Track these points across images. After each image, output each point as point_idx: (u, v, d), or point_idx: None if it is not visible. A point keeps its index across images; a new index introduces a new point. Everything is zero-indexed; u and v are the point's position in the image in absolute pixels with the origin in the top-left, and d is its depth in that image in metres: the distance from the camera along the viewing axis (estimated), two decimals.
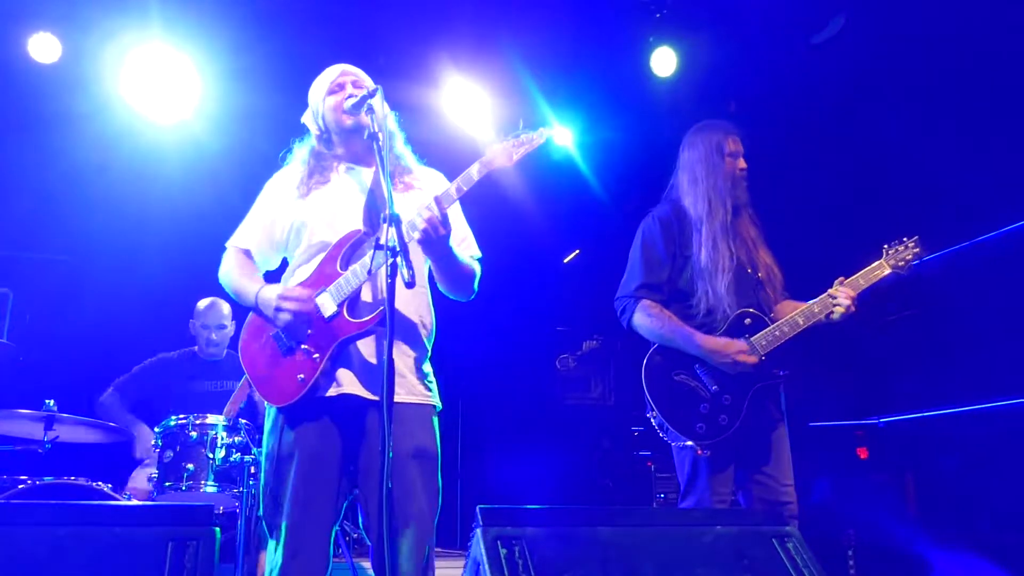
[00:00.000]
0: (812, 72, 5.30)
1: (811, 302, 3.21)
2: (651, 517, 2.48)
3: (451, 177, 2.64)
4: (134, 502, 3.98)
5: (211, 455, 3.79)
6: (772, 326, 3.19)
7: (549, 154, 6.31)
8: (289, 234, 2.74)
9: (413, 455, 2.53)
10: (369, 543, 2.58)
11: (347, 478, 2.56)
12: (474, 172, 2.54)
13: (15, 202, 5.49)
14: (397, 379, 2.59)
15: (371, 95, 2.58)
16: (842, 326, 3.25)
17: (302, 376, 2.55)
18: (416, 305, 2.71)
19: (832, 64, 5.23)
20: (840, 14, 5.06)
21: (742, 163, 3.36)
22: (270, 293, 2.62)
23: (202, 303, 4.83)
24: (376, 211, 2.69)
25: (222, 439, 3.82)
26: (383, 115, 2.57)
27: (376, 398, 2.53)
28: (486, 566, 2.13)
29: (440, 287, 2.78)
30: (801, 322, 3.17)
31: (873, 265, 3.23)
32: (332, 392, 2.55)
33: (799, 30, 5.23)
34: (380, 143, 2.49)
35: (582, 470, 7.30)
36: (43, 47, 4.95)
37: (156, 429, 3.96)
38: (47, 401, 4.04)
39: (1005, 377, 4.63)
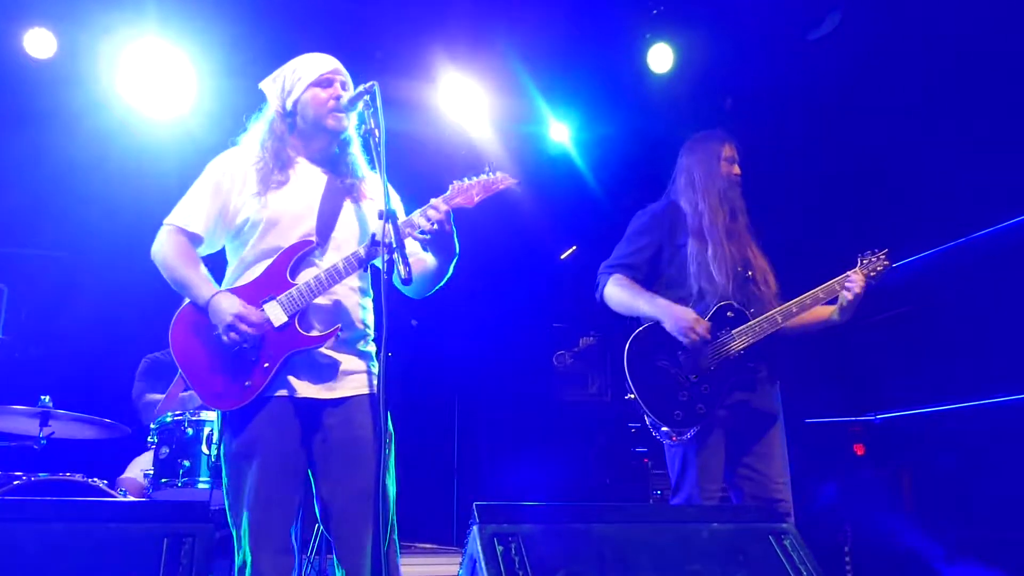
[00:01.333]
0: (809, 68, 5.30)
1: (811, 291, 3.26)
2: (647, 514, 2.49)
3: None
4: (130, 498, 3.97)
5: (207, 451, 3.79)
6: (753, 321, 3.24)
7: (546, 150, 6.32)
8: (241, 229, 2.67)
9: (374, 439, 2.51)
10: (330, 537, 2.57)
11: (304, 475, 2.57)
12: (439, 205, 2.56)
13: (10, 198, 5.47)
14: (347, 376, 2.61)
15: (368, 91, 2.56)
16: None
17: (249, 383, 2.51)
18: (356, 302, 2.71)
19: (829, 60, 5.23)
20: (836, 10, 5.06)
21: (736, 169, 3.47)
22: (229, 306, 2.51)
23: None
24: (330, 214, 2.67)
25: (218, 435, 3.82)
26: (376, 113, 2.56)
27: (328, 396, 2.56)
28: (482, 563, 2.13)
29: (412, 282, 2.59)
30: (779, 319, 3.22)
31: (847, 273, 3.30)
32: (283, 393, 2.54)
33: (795, 26, 5.23)
34: (377, 140, 2.47)
35: (579, 467, 7.30)
36: (39, 43, 4.93)
37: (152, 425, 3.96)
38: (42, 397, 4.03)
39: (1001, 373, 4.64)
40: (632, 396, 3.21)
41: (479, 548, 2.16)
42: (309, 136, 2.75)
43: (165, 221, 2.70)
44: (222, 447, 2.59)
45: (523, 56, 5.42)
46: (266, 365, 2.52)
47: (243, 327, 2.49)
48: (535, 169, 6.25)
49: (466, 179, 2.60)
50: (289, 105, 2.73)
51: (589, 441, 7.45)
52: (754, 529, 2.46)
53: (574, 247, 7.82)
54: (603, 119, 6.09)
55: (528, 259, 7.32)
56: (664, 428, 3.15)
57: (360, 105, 2.59)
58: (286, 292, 2.56)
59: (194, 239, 2.67)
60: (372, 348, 2.76)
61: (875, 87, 5.27)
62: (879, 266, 3.29)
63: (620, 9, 5.38)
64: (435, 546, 5.98)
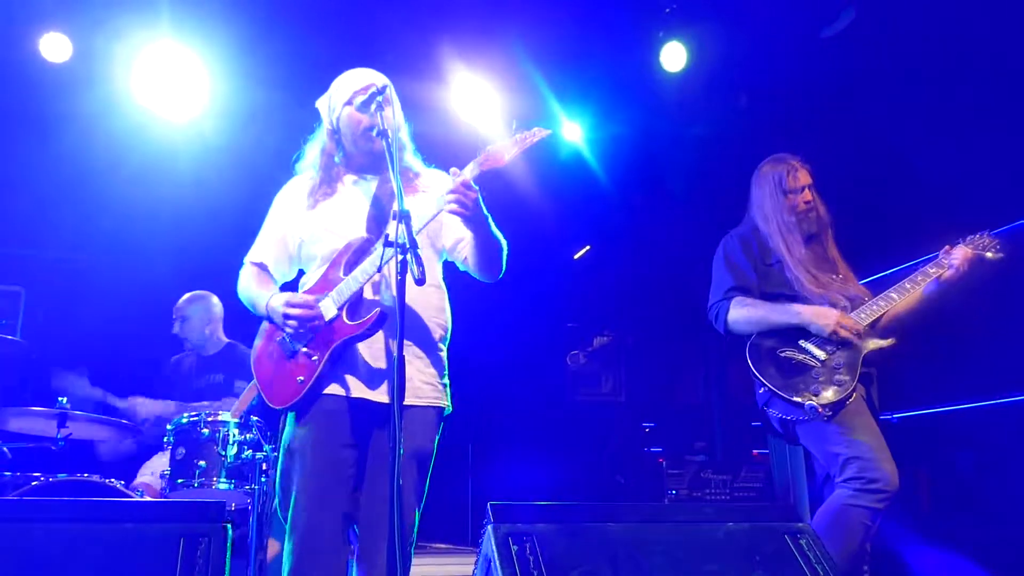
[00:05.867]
0: (823, 66, 5.27)
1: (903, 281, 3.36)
2: (662, 513, 2.48)
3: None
4: (146, 499, 3.99)
5: (223, 452, 3.81)
6: (868, 303, 3.32)
7: (558, 150, 6.31)
8: (300, 247, 2.78)
9: (409, 457, 2.54)
10: (356, 538, 2.59)
11: (357, 475, 2.58)
12: (468, 173, 2.54)
13: (28, 200, 5.52)
14: (418, 385, 2.63)
15: (380, 92, 2.57)
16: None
17: (301, 378, 2.59)
18: (427, 304, 2.71)
19: (843, 58, 5.20)
20: (850, 7, 5.03)
21: (807, 195, 3.52)
22: (277, 301, 2.65)
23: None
24: (380, 216, 2.71)
25: (234, 436, 3.84)
26: (393, 113, 2.59)
27: (381, 400, 2.57)
28: (497, 563, 2.13)
29: (473, 267, 2.76)
30: (895, 296, 3.31)
31: (947, 248, 3.43)
32: (338, 392, 2.58)
33: (809, 24, 5.20)
34: (389, 140, 2.49)
35: (593, 467, 7.29)
36: (54, 47, 4.97)
37: (168, 426, 3.98)
38: (60, 399, 4.07)
39: (1019, 371, 4.60)
40: (764, 390, 3.25)
41: (494, 548, 2.16)
42: (351, 154, 2.81)
43: (243, 260, 2.90)
44: (282, 443, 2.66)
45: (535, 56, 5.41)
46: (315, 358, 2.58)
47: (294, 311, 2.57)
48: (547, 169, 6.25)
49: (499, 141, 2.59)
50: (334, 124, 2.80)
51: (603, 441, 7.44)
52: (770, 528, 2.45)
53: (587, 247, 7.81)
54: (616, 118, 6.08)
55: (541, 259, 7.31)
56: (809, 403, 3.12)
57: (372, 106, 2.59)
58: (336, 287, 2.61)
59: (263, 268, 2.86)
60: (439, 349, 2.76)
61: (889, 84, 5.24)
62: (987, 243, 3.41)
63: (632, 8, 5.37)
64: (450, 546, 5.98)
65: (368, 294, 2.62)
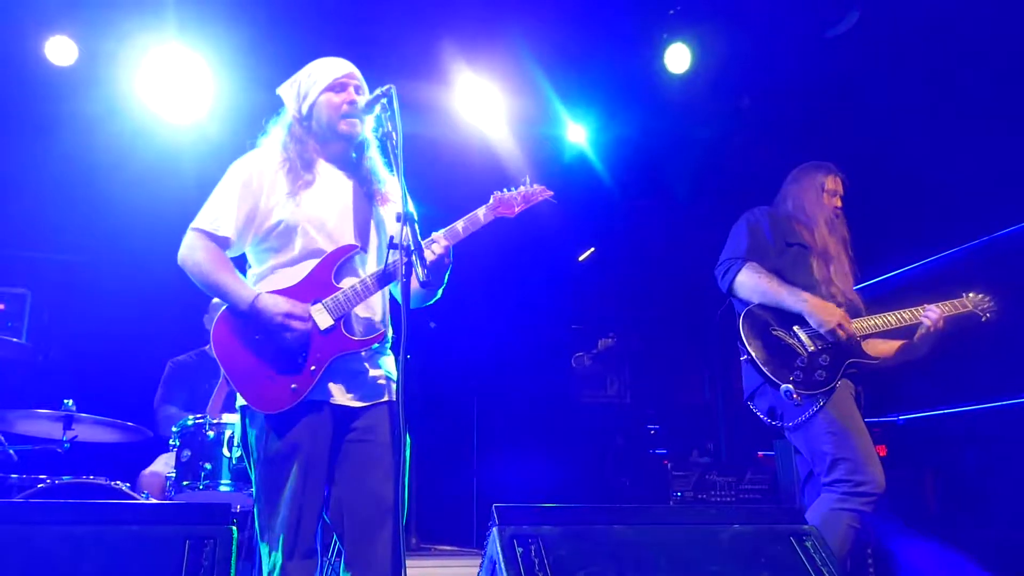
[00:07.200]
0: (826, 67, 5.27)
1: (903, 310, 3.45)
2: (667, 515, 2.48)
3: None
4: (152, 501, 4.00)
5: (228, 454, 3.81)
6: (867, 316, 3.40)
7: (562, 152, 6.32)
8: (272, 232, 2.64)
9: (392, 445, 2.58)
10: (340, 537, 2.57)
11: (328, 480, 2.57)
12: (481, 216, 2.67)
13: (32, 203, 5.53)
14: (376, 384, 2.65)
15: (385, 95, 2.56)
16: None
17: (295, 386, 2.51)
18: (386, 308, 2.77)
19: (846, 59, 5.20)
20: (854, 8, 5.03)
21: (838, 201, 3.68)
22: (271, 302, 2.51)
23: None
24: (363, 223, 2.71)
25: (239, 438, 3.83)
26: (393, 116, 2.57)
27: (357, 405, 2.59)
28: (502, 565, 2.13)
29: (429, 285, 2.58)
30: (892, 321, 3.39)
31: (955, 300, 3.50)
32: (319, 398, 2.56)
33: (813, 25, 5.20)
34: (394, 143, 2.48)
35: (598, 468, 7.29)
36: (60, 50, 4.99)
37: (174, 428, 3.98)
38: (66, 401, 4.07)
39: None
40: (746, 358, 3.32)
41: (499, 550, 2.16)
42: (325, 140, 2.76)
43: (191, 226, 2.65)
44: (256, 451, 2.57)
45: (539, 57, 5.42)
46: (312, 368, 2.53)
47: (295, 324, 2.50)
48: (552, 171, 6.25)
49: (506, 190, 2.71)
50: (305, 109, 2.74)
51: (608, 442, 7.44)
52: (775, 530, 2.45)
53: (592, 249, 7.82)
54: (620, 120, 6.08)
55: (546, 261, 7.31)
56: (785, 387, 3.18)
57: (377, 109, 2.58)
58: (331, 296, 2.57)
59: (222, 243, 2.63)
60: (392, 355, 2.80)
61: (893, 85, 5.23)
62: (985, 304, 3.49)
63: (637, 9, 5.37)
64: (455, 548, 5.98)
65: (360, 307, 2.63)
